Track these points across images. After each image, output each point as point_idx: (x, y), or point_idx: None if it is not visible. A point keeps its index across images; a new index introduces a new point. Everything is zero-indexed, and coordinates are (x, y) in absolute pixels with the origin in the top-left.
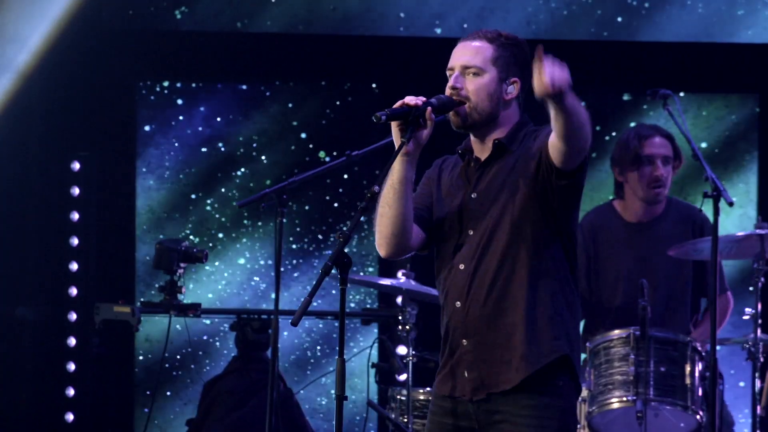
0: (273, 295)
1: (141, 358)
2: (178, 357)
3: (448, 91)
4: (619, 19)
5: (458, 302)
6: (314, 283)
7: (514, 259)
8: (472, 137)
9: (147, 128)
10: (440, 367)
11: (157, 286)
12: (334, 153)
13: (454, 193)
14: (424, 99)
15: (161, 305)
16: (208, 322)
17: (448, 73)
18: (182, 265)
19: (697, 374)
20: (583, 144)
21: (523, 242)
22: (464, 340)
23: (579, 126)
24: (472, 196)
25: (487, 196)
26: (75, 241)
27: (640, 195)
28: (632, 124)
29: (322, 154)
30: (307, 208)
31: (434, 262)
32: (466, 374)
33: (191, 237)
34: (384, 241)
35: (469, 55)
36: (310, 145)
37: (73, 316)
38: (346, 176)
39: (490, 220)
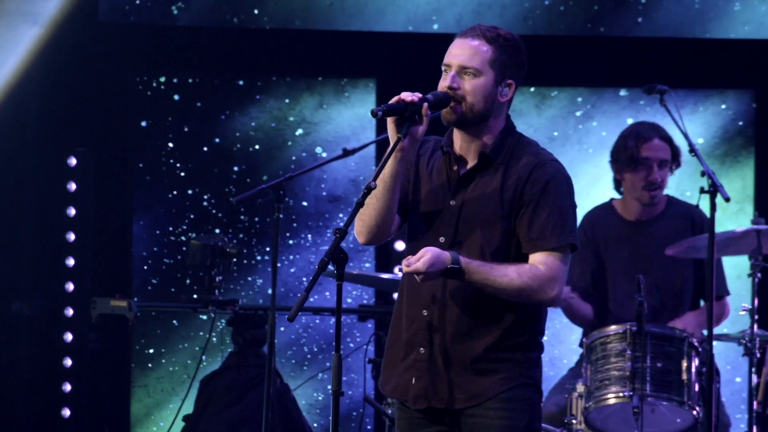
0: (270, 291)
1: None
2: (175, 352)
3: (442, 87)
4: (616, 14)
5: (425, 311)
6: (311, 278)
7: None
8: (456, 132)
9: (143, 123)
10: (384, 365)
11: (188, 282)
12: (331, 148)
13: (432, 193)
14: (421, 95)
15: (199, 301)
16: (204, 317)
17: (443, 68)
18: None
19: (693, 370)
20: (535, 299)
21: (494, 260)
22: (422, 348)
23: (505, 294)
24: (451, 203)
25: (464, 207)
26: (71, 236)
27: (635, 196)
28: (629, 120)
29: (318, 149)
30: (303, 203)
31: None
32: (417, 383)
33: (188, 233)
34: (366, 230)
35: (467, 55)
36: (307, 141)
37: (70, 312)
38: (342, 172)
39: (463, 231)
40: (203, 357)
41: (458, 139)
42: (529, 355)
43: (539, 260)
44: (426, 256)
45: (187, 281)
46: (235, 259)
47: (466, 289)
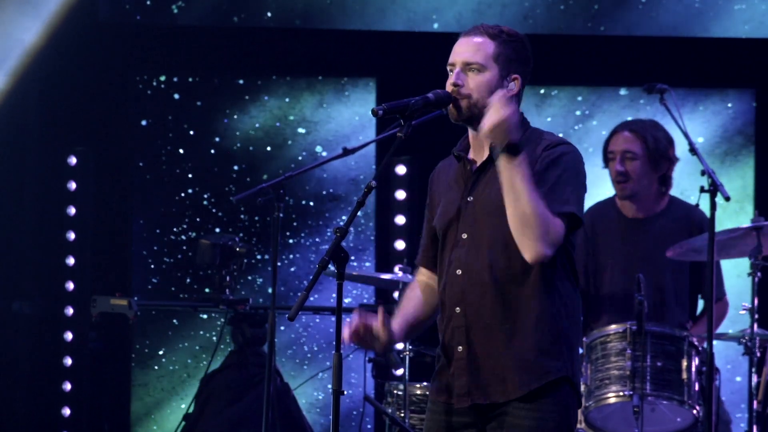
0: (270, 290)
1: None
2: (175, 351)
3: (449, 88)
4: (616, 13)
5: (458, 308)
6: (311, 278)
7: (509, 266)
8: (470, 133)
9: (144, 123)
10: (436, 372)
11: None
12: (331, 147)
13: (450, 198)
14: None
15: (211, 300)
16: (204, 316)
17: (448, 68)
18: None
19: (693, 369)
20: (529, 240)
21: (518, 250)
22: (460, 347)
23: (519, 208)
24: (468, 200)
25: (482, 201)
26: (72, 235)
27: (615, 190)
28: (629, 119)
29: (318, 148)
30: (303, 202)
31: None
32: (459, 382)
33: (188, 232)
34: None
35: (470, 51)
36: (307, 140)
37: (70, 311)
38: (342, 171)
39: (484, 225)
40: (212, 355)
41: (471, 141)
42: (565, 350)
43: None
44: (508, 107)
45: (187, 280)
46: (246, 260)
47: (495, 282)
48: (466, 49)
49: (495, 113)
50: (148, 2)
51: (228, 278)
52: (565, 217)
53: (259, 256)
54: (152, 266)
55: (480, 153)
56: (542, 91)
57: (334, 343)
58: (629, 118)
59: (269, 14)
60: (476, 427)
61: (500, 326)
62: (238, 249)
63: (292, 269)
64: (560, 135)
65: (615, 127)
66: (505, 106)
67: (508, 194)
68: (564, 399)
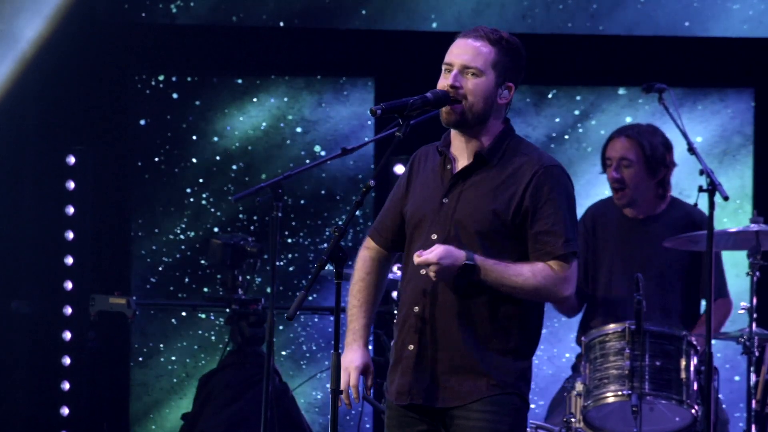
0: (269, 290)
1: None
2: (174, 351)
3: (443, 85)
4: (615, 13)
5: (416, 307)
6: (310, 277)
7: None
8: (454, 134)
9: (142, 122)
10: (389, 369)
11: (219, 278)
12: (330, 147)
13: (425, 194)
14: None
15: (222, 299)
16: (203, 316)
17: (444, 67)
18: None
19: (692, 368)
20: (549, 299)
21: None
22: (411, 346)
23: (518, 293)
24: (443, 201)
25: (457, 205)
26: (70, 234)
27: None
28: (628, 119)
29: (317, 148)
30: (302, 202)
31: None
32: (402, 379)
33: (187, 231)
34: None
35: (470, 54)
36: (306, 139)
37: (69, 310)
38: (341, 170)
39: (455, 228)
40: (224, 349)
41: (455, 140)
42: (518, 365)
43: (549, 263)
44: (438, 249)
45: (186, 280)
46: (259, 260)
47: (462, 290)
48: (465, 52)
49: (430, 268)
50: (147, 1)
51: (240, 278)
52: (570, 255)
53: None
54: (151, 265)
55: (463, 154)
56: (541, 91)
57: (332, 342)
58: (629, 119)
59: (268, 14)
60: (427, 425)
61: (454, 332)
62: (249, 249)
63: (291, 269)
64: (560, 135)
65: (612, 132)
66: (431, 263)
67: (502, 291)
68: (516, 404)
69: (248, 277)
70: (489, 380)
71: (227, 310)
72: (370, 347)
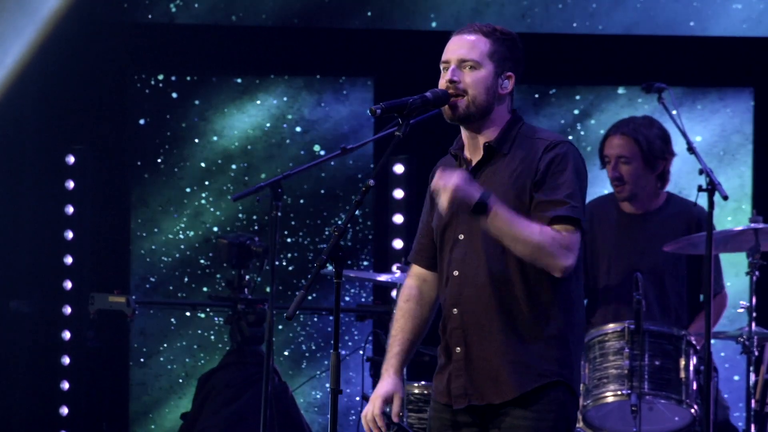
0: (268, 289)
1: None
2: (173, 350)
3: (443, 84)
4: (614, 12)
5: (455, 309)
6: (309, 277)
7: (505, 267)
8: (463, 133)
9: (142, 121)
10: (436, 372)
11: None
12: (329, 146)
13: None
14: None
15: (229, 299)
16: (203, 315)
17: (442, 66)
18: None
19: (691, 368)
20: (548, 263)
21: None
22: (458, 348)
23: (520, 246)
24: None
25: None
26: (70, 234)
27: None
28: (622, 119)
29: (316, 147)
30: (301, 201)
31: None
32: (456, 383)
33: (186, 231)
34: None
35: (465, 48)
36: (305, 139)
37: (68, 310)
38: (341, 170)
39: (479, 225)
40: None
41: (466, 140)
42: (562, 352)
43: (556, 227)
44: (458, 177)
45: (185, 279)
46: (265, 259)
47: (491, 282)
48: (461, 47)
49: (444, 191)
50: (147, 1)
51: (247, 277)
52: (566, 219)
53: None
54: (150, 265)
55: (475, 152)
56: (540, 90)
57: (332, 342)
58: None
59: (267, 13)
60: (478, 427)
61: (496, 327)
62: (254, 248)
63: (290, 268)
64: (560, 134)
65: (608, 129)
66: (447, 178)
67: (504, 241)
68: (560, 399)
69: (253, 276)
70: (534, 370)
71: (231, 309)
72: (369, 347)
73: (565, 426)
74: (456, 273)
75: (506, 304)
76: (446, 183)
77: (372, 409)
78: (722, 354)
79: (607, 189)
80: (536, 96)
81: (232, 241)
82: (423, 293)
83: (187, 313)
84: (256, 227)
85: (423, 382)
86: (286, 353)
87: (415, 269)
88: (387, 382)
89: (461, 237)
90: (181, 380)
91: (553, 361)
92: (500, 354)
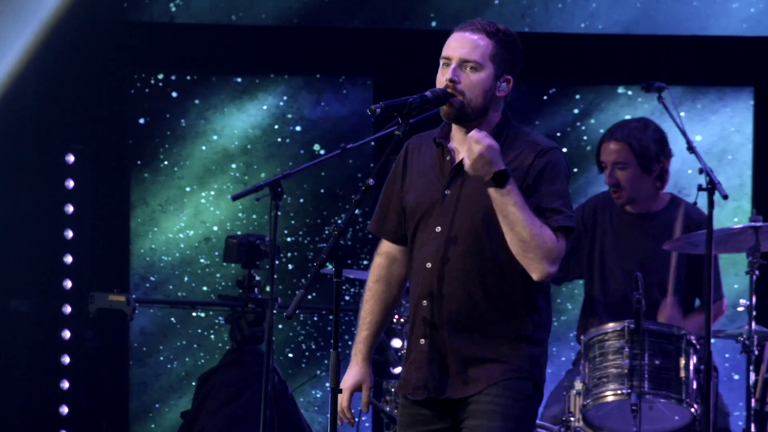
0: (267, 288)
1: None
2: (173, 349)
3: (442, 80)
4: (614, 11)
5: (425, 301)
6: (309, 276)
7: (481, 265)
8: (454, 127)
9: (141, 121)
10: (403, 367)
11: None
12: (329, 146)
13: (426, 186)
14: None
15: (239, 299)
16: (203, 315)
17: (442, 62)
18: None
19: (691, 367)
20: (534, 262)
21: (492, 248)
22: (422, 340)
23: (519, 229)
24: (446, 193)
25: (461, 197)
26: (69, 233)
27: None
28: (627, 117)
29: (316, 146)
30: (301, 201)
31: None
32: (417, 374)
33: (186, 230)
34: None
35: (468, 48)
36: (305, 138)
37: (68, 309)
38: (340, 169)
39: (459, 221)
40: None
41: (455, 132)
42: (532, 350)
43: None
44: (490, 141)
45: (185, 279)
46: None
47: (465, 277)
48: (463, 46)
49: (473, 149)
50: (146, 1)
51: (257, 278)
52: (564, 230)
53: None
54: (150, 264)
55: (462, 146)
56: (540, 90)
57: (331, 341)
58: (627, 117)
59: (267, 13)
60: (444, 420)
61: (468, 324)
62: (263, 248)
63: (290, 267)
64: (557, 134)
65: (603, 135)
66: (481, 140)
67: (503, 222)
68: (528, 391)
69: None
70: (503, 366)
71: (231, 309)
72: None
73: (531, 420)
74: (429, 265)
75: (480, 302)
76: (476, 143)
77: (341, 402)
78: (726, 355)
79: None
80: (536, 96)
81: (242, 240)
82: (392, 273)
83: (194, 314)
84: (255, 226)
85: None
86: (286, 352)
87: (385, 246)
88: (354, 371)
89: (438, 230)
90: (180, 379)
91: (524, 359)
92: (470, 350)
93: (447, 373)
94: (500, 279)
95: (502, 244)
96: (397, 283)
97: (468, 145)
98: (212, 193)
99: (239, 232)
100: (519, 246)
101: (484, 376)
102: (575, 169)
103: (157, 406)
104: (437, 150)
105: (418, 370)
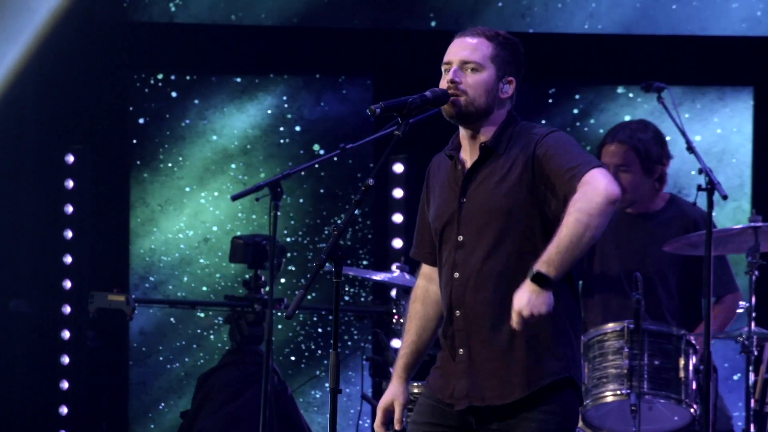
0: (267, 288)
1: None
2: (172, 350)
3: (444, 84)
4: (614, 11)
5: (458, 311)
6: (309, 276)
7: (505, 268)
8: (461, 132)
9: (141, 121)
10: (436, 368)
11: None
12: (329, 146)
13: (444, 198)
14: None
15: (246, 299)
16: (202, 315)
17: (444, 67)
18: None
19: (691, 367)
20: (609, 210)
21: (516, 249)
22: (461, 350)
23: (586, 240)
24: (462, 201)
25: (476, 202)
26: (69, 233)
27: None
28: (627, 118)
29: (316, 146)
30: (301, 201)
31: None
32: (459, 384)
33: (186, 230)
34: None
35: (468, 50)
36: (304, 138)
37: (68, 309)
38: (340, 169)
39: (478, 226)
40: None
41: (463, 140)
42: (566, 349)
43: (579, 188)
44: (519, 301)
45: (185, 279)
46: (284, 259)
47: (493, 282)
48: (464, 49)
49: (532, 309)
50: (146, 0)
51: (263, 277)
52: (595, 168)
53: None
54: (149, 264)
55: (471, 152)
56: (540, 90)
57: (331, 341)
58: (627, 117)
59: (266, 12)
60: (466, 419)
61: (499, 329)
62: (269, 248)
63: (290, 267)
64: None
65: (605, 137)
66: (521, 310)
67: (575, 257)
68: (565, 400)
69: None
70: (541, 369)
71: (259, 307)
72: (369, 346)
73: (570, 426)
74: (457, 275)
75: (507, 306)
76: (521, 310)
77: (377, 421)
78: (728, 362)
79: None
80: (536, 96)
81: (248, 240)
82: (430, 292)
83: (201, 314)
84: (254, 226)
85: (422, 382)
86: (285, 353)
87: (424, 268)
88: (389, 390)
89: (461, 239)
90: (180, 380)
91: (560, 358)
92: (506, 355)
93: (487, 381)
94: (524, 280)
95: (525, 244)
96: (434, 301)
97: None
98: (212, 193)
99: (239, 233)
100: (596, 229)
101: (524, 380)
102: None
103: (161, 407)
104: (450, 163)
105: (460, 380)
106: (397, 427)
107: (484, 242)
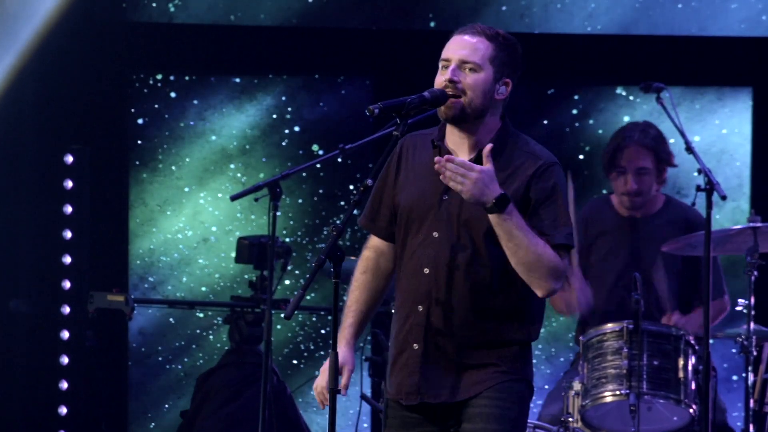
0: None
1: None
2: (172, 350)
3: (441, 81)
4: (613, 12)
5: (420, 306)
6: (308, 276)
7: (480, 271)
8: (450, 128)
9: (140, 121)
10: (389, 367)
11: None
12: (328, 146)
13: (422, 188)
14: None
15: (252, 300)
16: (201, 315)
17: (441, 64)
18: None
19: (690, 368)
20: (540, 280)
21: (493, 256)
22: (416, 345)
23: (522, 253)
24: (444, 198)
25: (462, 203)
26: (68, 234)
27: (618, 198)
28: (626, 118)
29: (315, 147)
30: (300, 201)
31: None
32: (410, 379)
33: (185, 231)
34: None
35: (468, 49)
36: (304, 139)
37: (67, 309)
38: (339, 169)
39: (458, 227)
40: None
41: (451, 134)
42: (523, 352)
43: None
44: (487, 168)
45: (184, 279)
46: (289, 259)
47: (462, 284)
48: (463, 47)
49: (469, 177)
50: (145, 1)
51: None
52: (565, 247)
53: None
54: (149, 264)
55: (461, 149)
56: (539, 90)
57: (330, 342)
58: (626, 118)
59: (266, 13)
60: (434, 424)
61: (460, 327)
62: (276, 249)
63: (289, 267)
64: (558, 134)
65: (620, 139)
66: (474, 167)
67: (506, 245)
68: (522, 393)
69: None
70: (496, 368)
71: (264, 308)
72: (368, 346)
73: (525, 421)
74: (427, 271)
75: (480, 309)
76: (472, 167)
77: (320, 382)
78: (726, 362)
79: (604, 190)
80: (535, 96)
81: (253, 241)
82: (380, 266)
83: (200, 314)
84: (253, 226)
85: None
86: (285, 353)
87: (374, 241)
88: (339, 356)
89: (435, 234)
90: (179, 380)
91: (516, 360)
92: (467, 355)
93: (441, 378)
94: (500, 286)
95: (503, 253)
96: (384, 276)
97: (460, 175)
98: (211, 193)
99: (238, 233)
100: (523, 267)
101: (479, 379)
102: (573, 170)
103: (164, 407)
104: (434, 152)
105: (412, 375)
106: (342, 393)
107: (462, 244)
